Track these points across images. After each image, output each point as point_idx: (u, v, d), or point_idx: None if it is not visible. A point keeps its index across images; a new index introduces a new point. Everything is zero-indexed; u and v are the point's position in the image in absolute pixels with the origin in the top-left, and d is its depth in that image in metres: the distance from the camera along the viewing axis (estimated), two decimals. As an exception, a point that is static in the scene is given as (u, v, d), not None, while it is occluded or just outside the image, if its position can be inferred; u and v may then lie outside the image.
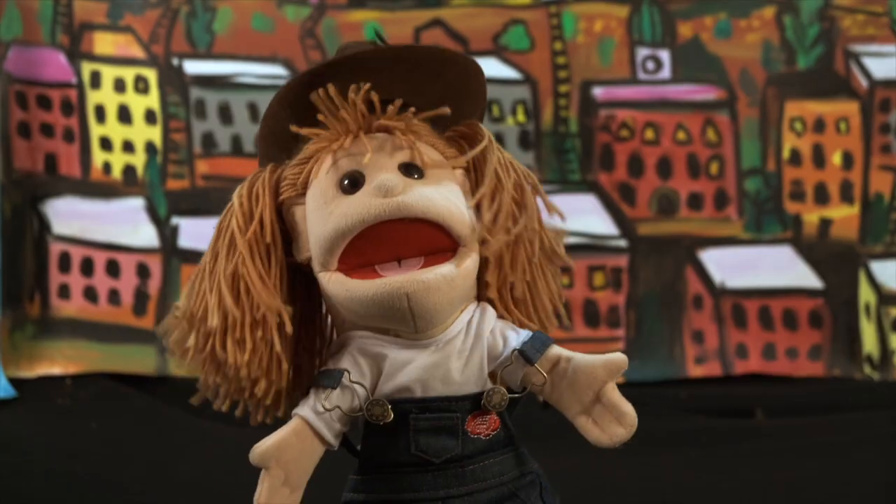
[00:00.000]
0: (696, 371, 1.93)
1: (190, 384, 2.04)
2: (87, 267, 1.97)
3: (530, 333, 0.87)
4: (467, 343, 0.85)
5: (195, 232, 1.96)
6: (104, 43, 1.97)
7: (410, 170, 0.84)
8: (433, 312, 0.83)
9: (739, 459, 1.49)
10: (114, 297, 1.97)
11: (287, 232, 0.88)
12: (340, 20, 1.95)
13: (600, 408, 0.86)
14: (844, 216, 1.95)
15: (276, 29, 1.95)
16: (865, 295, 1.95)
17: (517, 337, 0.87)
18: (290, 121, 0.86)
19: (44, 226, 1.97)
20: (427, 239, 0.83)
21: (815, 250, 1.95)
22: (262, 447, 0.84)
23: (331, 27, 1.95)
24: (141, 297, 1.96)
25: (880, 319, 1.94)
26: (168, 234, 1.96)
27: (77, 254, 1.97)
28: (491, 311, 0.87)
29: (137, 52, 1.97)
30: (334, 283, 0.83)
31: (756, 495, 1.36)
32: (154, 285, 1.96)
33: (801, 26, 1.95)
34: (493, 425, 0.86)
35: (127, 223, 1.97)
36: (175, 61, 1.96)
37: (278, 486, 0.84)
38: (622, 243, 1.95)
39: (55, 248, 1.98)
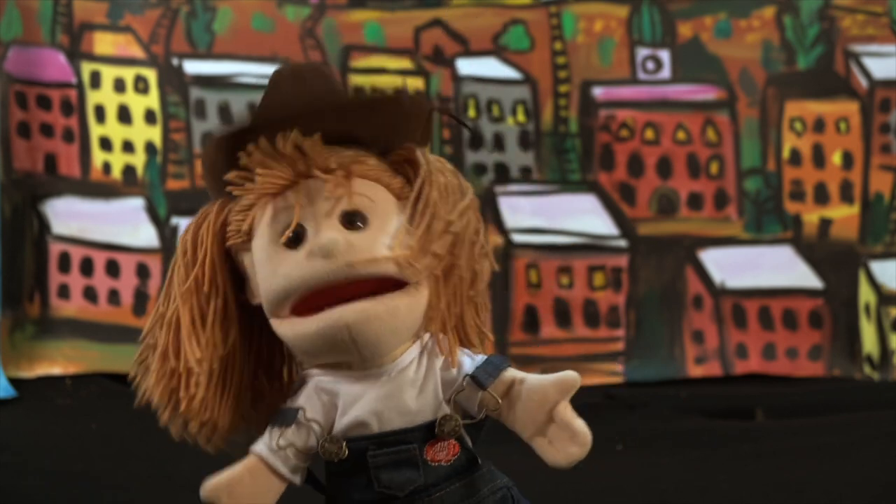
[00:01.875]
0: (696, 371, 1.93)
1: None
2: (87, 267, 1.97)
3: (485, 357, 0.86)
4: (420, 372, 0.84)
5: (195, 232, 1.96)
6: (104, 43, 1.97)
7: (353, 218, 0.83)
8: (376, 342, 0.82)
9: (739, 460, 1.49)
10: (113, 297, 1.97)
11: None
12: (340, 20, 1.95)
13: (555, 427, 0.84)
14: (844, 216, 1.95)
15: (276, 29, 1.95)
16: (865, 295, 1.95)
17: (471, 362, 0.86)
18: (226, 166, 0.86)
19: (43, 226, 1.97)
20: (373, 286, 0.82)
21: (815, 250, 1.95)
22: (212, 483, 0.84)
23: (331, 27, 1.95)
24: (141, 297, 1.96)
25: (880, 319, 1.94)
26: (168, 234, 1.96)
27: (77, 254, 1.97)
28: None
29: (137, 52, 1.97)
30: (284, 326, 0.84)
31: (756, 495, 1.36)
32: (154, 285, 1.96)
33: (801, 26, 1.95)
34: (452, 451, 0.85)
35: (127, 223, 1.97)
36: (175, 61, 1.96)
37: None
38: (622, 243, 1.95)
39: (55, 248, 1.97)
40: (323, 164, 0.83)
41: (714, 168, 1.96)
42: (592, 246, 1.94)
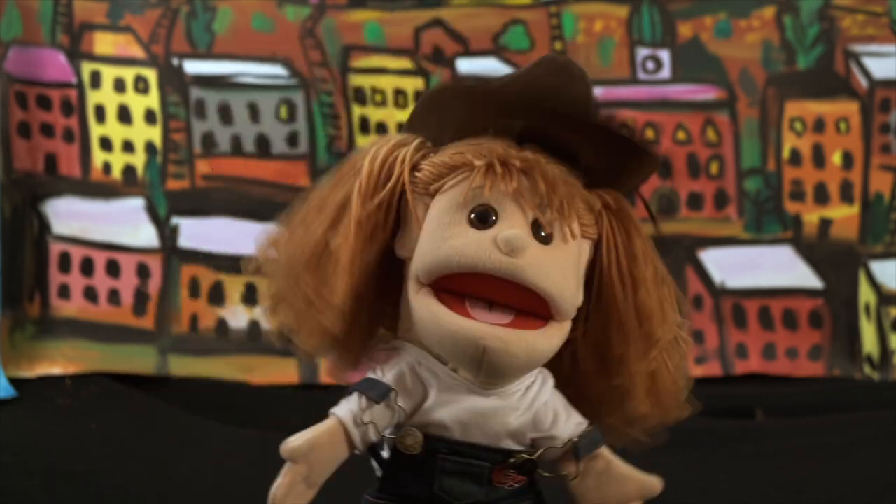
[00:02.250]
0: (696, 371, 1.93)
1: (190, 384, 2.05)
2: (87, 267, 1.97)
3: (585, 425, 0.86)
4: (522, 403, 0.84)
5: (195, 232, 1.96)
6: (104, 43, 1.97)
7: (541, 228, 0.81)
8: (503, 373, 0.82)
9: (739, 460, 1.49)
10: (114, 297, 1.96)
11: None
12: (340, 20, 1.95)
13: None
14: (844, 216, 1.95)
15: (276, 29, 1.95)
16: (865, 295, 1.95)
17: (566, 419, 0.86)
18: (450, 111, 0.84)
19: (44, 226, 1.97)
20: (526, 301, 0.81)
21: (815, 250, 1.95)
22: (296, 443, 0.83)
23: (331, 27, 1.95)
24: (141, 297, 1.96)
25: (880, 319, 1.94)
26: (168, 234, 1.96)
27: (77, 254, 1.97)
28: (551, 382, 0.86)
29: (137, 52, 1.97)
30: (421, 300, 0.82)
31: (756, 495, 1.36)
32: (154, 285, 1.96)
33: (801, 26, 1.95)
34: (519, 479, 0.86)
35: (127, 223, 1.97)
36: (175, 61, 1.96)
37: (298, 483, 0.83)
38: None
39: (55, 248, 1.97)
40: (544, 166, 0.81)
41: (714, 168, 1.95)
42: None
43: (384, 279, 0.86)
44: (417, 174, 0.83)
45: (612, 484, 0.86)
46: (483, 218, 0.81)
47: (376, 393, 0.83)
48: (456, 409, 0.83)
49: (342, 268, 0.82)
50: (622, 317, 0.85)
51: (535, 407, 0.85)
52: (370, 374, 0.85)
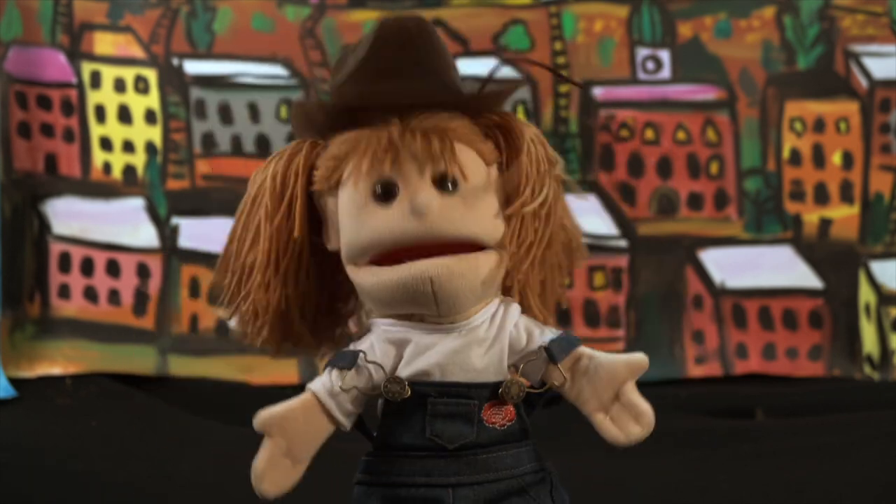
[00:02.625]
0: (696, 371, 1.93)
1: (190, 384, 2.05)
2: (87, 267, 1.97)
3: (558, 332, 0.88)
4: (490, 333, 0.86)
5: (195, 232, 1.96)
6: (104, 43, 1.97)
7: (445, 180, 0.85)
8: (455, 297, 0.84)
9: (739, 460, 1.49)
10: (114, 297, 1.97)
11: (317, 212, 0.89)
12: (340, 20, 1.95)
13: (618, 406, 0.88)
14: (844, 216, 1.95)
15: (276, 29, 1.96)
16: (865, 295, 1.95)
17: (541, 334, 0.88)
18: (321, 110, 0.88)
19: (44, 226, 1.98)
20: (453, 248, 0.85)
21: (815, 250, 1.95)
22: (266, 413, 0.85)
23: (331, 27, 1.95)
24: (141, 297, 1.96)
25: (880, 319, 1.94)
26: (168, 234, 1.97)
27: (77, 254, 1.97)
28: (515, 307, 0.88)
29: (137, 52, 1.97)
30: (363, 273, 0.86)
31: (756, 495, 1.36)
32: (154, 285, 1.96)
33: (801, 26, 1.95)
34: (508, 416, 0.87)
35: (127, 223, 1.97)
36: (175, 61, 1.96)
37: (279, 456, 0.85)
38: (622, 243, 1.95)
39: (55, 248, 1.98)
40: (419, 124, 0.84)
41: (714, 168, 1.96)
42: (592, 246, 1.93)
43: (330, 277, 0.90)
44: (317, 173, 0.87)
45: (601, 375, 0.88)
46: (387, 194, 0.84)
47: (345, 360, 0.86)
48: (430, 354, 0.85)
49: (261, 283, 0.87)
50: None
51: (506, 332, 0.87)
52: (338, 351, 0.88)
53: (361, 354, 0.85)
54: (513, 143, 0.88)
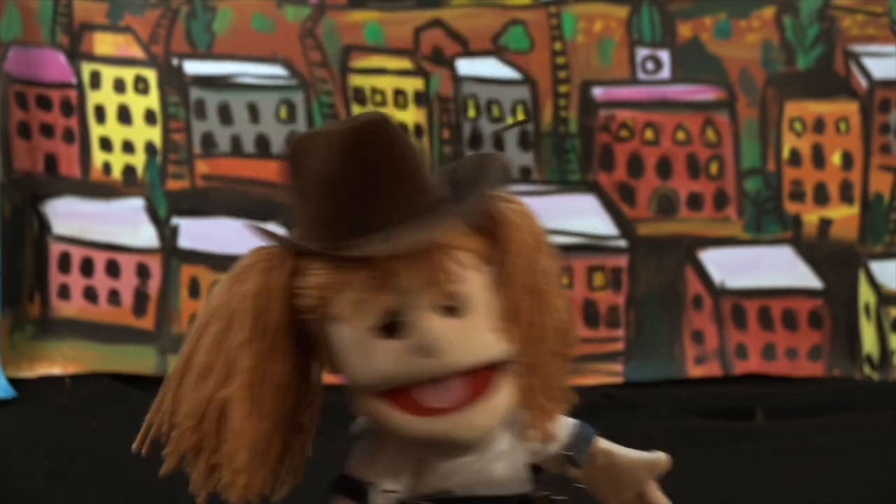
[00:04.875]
0: (696, 371, 1.93)
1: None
2: (87, 267, 1.97)
3: (575, 426, 0.87)
4: (506, 444, 0.84)
5: (195, 232, 1.96)
6: (104, 43, 1.97)
7: (450, 302, 0.79)
8: (479, 439, 0.81)
9: (739, 460, 1.49)
10: (114, 297, 1.97)
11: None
12: (340, 20, 1.95)
13: None
14: (844, 216, 1.95)
15: (275, 29, 1.95)
16: (865, 295, 1.95)
17: (558, 429, 0.85)
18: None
19: (44, 226, 1.98)
20: (469, 374, 0.80)
21: (815, 250, 1.95)
22: None
23: (331, 27, 1.95)
24: (141, 297, 1.96)
25: (880, 319, 1.94)
26: (168, 235, 1.96)
27: (77, 254, 1.97)
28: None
29: (137, 52, 1.97)
30: (372, 407, 0.80)
31: (756, 496, 1.37)
32: (154, 285, 1.96)
33: (801, 26, 1.95)
34: None
35: (127, 223, 1.97)
36: (175, 61, 1.96)
37: None
38: (622, 243, 1.95)
39: (55, 249, 1.98)
40: (410, 244, 0.77)
41: (714, 168, 1.96)
42: (592, 246, 1.94)
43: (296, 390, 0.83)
44: (300, 302, 0.80)
45: (621, 474, 0.87)
46: (391, 329, 0.79)
47: (355, 494, 0.82)
48: (452, 475, 0.82)
49: (238, 413, 0.79)
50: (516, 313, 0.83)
51: (523, 439, 0.84)
52: (349, 473, 0.84)
53: (371, 489, 0.81)
54: (503, 230, 0.82)
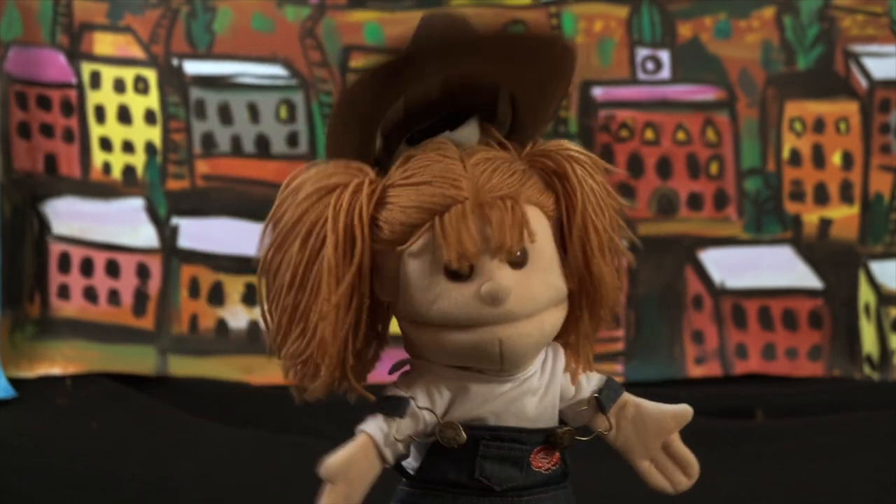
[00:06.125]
0: (696, 371, 1.93)
1: (190, 384, 2.04)
2: (87, 267, 1.97)
3: (603, 379, 0.90)
4: (542, 381, 0.87)
5: (195, 232, 1.96)
6: (104, 43, 1.97)
7: (517, 256, 0.82)
8: (522, 357, 0.83)
9: (740, 460, 1.49)
10: (113, 297, 1.97)
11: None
12: (340, 20, 1.95)
13: (664, 456, 0.91)
14: (844, 216, 1.95)
15: (276, 29, 1.96)
16: (865, 295, 1.95)
17: (587, 380, 0.89)
18: (371, 118, 0.83)
19: (44, 226, 1.98)
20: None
21: (815, 250, 1.95)
22: (334, 463, 0.83)
23: (331, 27, 1.95)
24: (141, 297, 1.96)
25: (880, 319, 1.94)
26: (168, 235, 1.97)
27: (77, 254, 1.97)
28: (562, 353, 0.88)
29: (137, 52, 1.97)
30: (425, 332, 0.83)
31: (756, 496, 1.37)
32: (154, 285, 1.96)
33: (801, 26, 1.95)
34: (554, 461, 0.88)
35: (127, 223, 1.97)
36: (175, 61, 1.96)
37: (341, 503, 0.84)
38: (622, 243, 1.95)
39: (55, 249, 1.98)
40: (492, 190, 0.82)
41: (714, 168, 1.96)
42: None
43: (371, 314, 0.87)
44: (377, 233, 0.83)
45: (648, 424, 0.90)
46: (461, 275, 0.81)
47: (397, 409, 0.84)
48: (486, 402, 0.85)
49: (328, 333, 0.82)
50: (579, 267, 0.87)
51: (557, 380, 0.87)
52: (388, 394, 0.86)
53: (412, 401, 0.84)
54: (569, 193, 0.87)
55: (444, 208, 0.81)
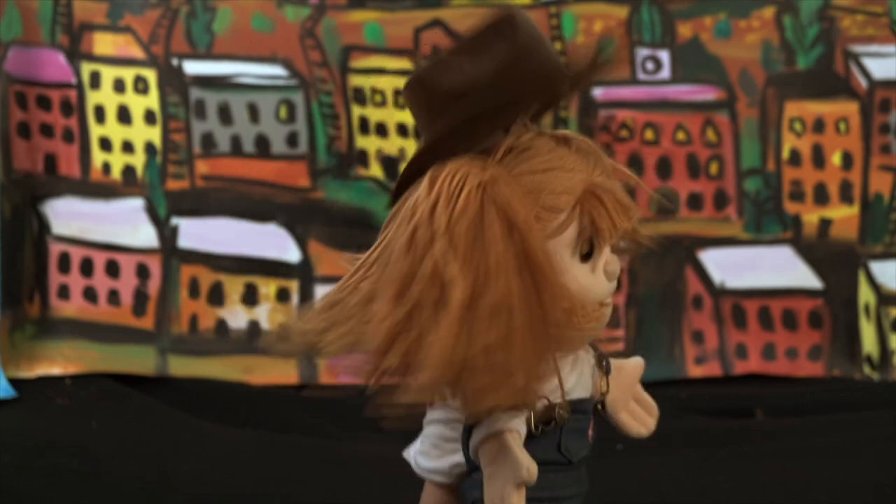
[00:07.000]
0: (696, 371, 1.93)
1: (190, 384, 2.04)
2: (87, 267, 1.97)
3: (594, 348, 0.94)
4: (588, 350, 0.92)
5: (195, 232, 1.96)
6: (104, 43, 1.97)
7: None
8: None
9: (740, 460, 1.49)
10: (113, 297, 1.97)
11: None
12: (340, 20, 1.95)
13: (633, 404, 0.96)
14: (844, 216, 1.95)
15: (276, 29, 1.95)
16: (865, 295, 1.95)
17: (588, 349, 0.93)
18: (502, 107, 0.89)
19: (43, 226, 1.98)
20: None
21: (815, 250, 1.95)
22: (534, 467, 0.82)
23: (331, 27, 1.95)
24: (141, 297, 1.96)
25: (880, 319, 1.94)
26: (168, 235, 1.97)
27: (77, 254, 1.97)
28: None
29: (137, 52, 1.97)
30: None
31: (756, 496, 1.37)
32: (154, 286, 1.96)
33: (801, 26, 1.95)
34: (594, 429, 0.91)
35: (126, 223, 1.97)
36: (175, 62, 1.96)
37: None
38: (621, 243, 1.95)
39: (55, 249, 1.98)
40: (603, 172, 0.88)
41: (714, 168, 1.96)
42: (592, 246, 1.94)
43: None
44: (535, 217, 0.86)
45: (624, 378, 0.95)
46: (590, 255, 0.88)
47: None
48: (572, 375, 0.88)
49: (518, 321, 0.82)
50: None
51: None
52: None
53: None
54: None
55: (587, 191, 0.87)
